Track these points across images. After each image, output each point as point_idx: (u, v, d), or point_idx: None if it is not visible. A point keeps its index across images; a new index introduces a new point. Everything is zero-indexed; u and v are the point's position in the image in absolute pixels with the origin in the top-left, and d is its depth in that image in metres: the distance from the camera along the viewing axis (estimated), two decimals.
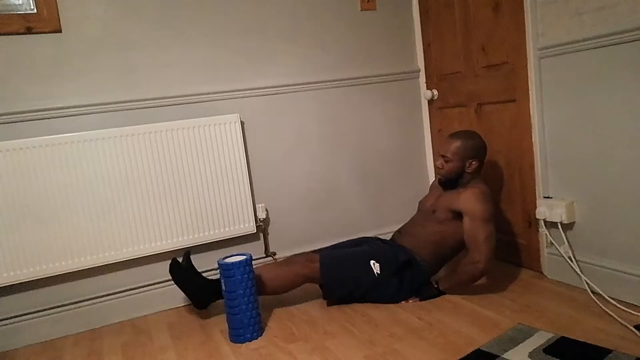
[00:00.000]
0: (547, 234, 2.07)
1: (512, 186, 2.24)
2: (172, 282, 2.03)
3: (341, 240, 2.27)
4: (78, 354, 1.93)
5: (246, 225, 2.31)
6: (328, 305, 2.07)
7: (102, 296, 2.16)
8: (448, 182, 2.11)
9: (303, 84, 2.46)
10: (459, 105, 2.50)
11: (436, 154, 2.13)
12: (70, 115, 2.07)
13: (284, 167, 2.46)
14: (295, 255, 2.11)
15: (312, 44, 2.48)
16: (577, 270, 1.94)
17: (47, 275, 2.01)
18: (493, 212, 1.98)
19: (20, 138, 1.97)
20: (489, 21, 2.22)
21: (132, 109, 2.16)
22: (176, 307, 2.26)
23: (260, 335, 1.87)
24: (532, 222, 2.17)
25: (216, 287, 1.94)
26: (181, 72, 2.24)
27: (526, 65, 2.04)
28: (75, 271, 2.07)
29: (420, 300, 2.01)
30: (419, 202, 2.30)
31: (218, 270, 1.87)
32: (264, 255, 2.43)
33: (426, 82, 2.71)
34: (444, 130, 2.61)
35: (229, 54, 2.32)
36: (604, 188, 1.83)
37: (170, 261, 2.00)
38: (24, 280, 1.98)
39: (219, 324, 2.00)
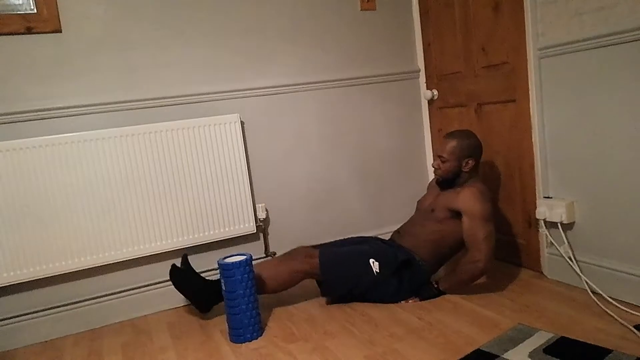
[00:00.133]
0: (547, 234, 2.07)
1: (512, 186, 2.24)
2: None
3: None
4: (78, 354, 1.93)
5: (246, 225, 2.31)
6: (327, 304, 2.08)
7: (102, 296, 2.16)
8: (445, 181, 2.12)
9: (303, 84, 2.46)
10: (459, 105, 2.50)
11: (435, 155, 2.14)
12: (70, 115, 2.07)
13: (284, 167, 2.46)
14: (295, 249, 2.10)
15: (312, 44, 2.48)
16: (577, 270, 1.94)
17: (47, 275, 2.01)
18: (492, 210, 1.98)
19: (20, 138, 1.97)
20: (489, 21, 2.23)
21: (132, 109, 2.16)
22: (176, 307, 2.26)
23: (260, 335, 1.87)
24: (532, 222, 2.17)
25: (216, 288, 1.95)
26: (181, 72, 2.24)
27: (526, 65, 2.04)
28: (75, 271, 2.07)
29: (420, 300, 2.01)
30: (418, 202, 2.30)
31: (218, 271, 1.87)
32: (264, 255, 2.43)
33: (426, 82, 2.71)
34: (444, 130, 2.61)
35: (229, 54, 2.32)
36: (604, 188, 1.83)
37: (170, 267, 2.01)
38: (24, 280, 1.98)
39: (219, 324, 2.00)
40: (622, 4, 1.66)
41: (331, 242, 2.20)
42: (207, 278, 2.08)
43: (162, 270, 2.20)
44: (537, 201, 2.08)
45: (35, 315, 2.06)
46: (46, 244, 1.99)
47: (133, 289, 2.20)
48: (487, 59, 2.27)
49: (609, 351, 1.47)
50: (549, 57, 1.95)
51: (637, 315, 1.67)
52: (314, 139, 2.52)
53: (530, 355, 1.50)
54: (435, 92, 2.64)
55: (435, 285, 2.03)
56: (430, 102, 2.70)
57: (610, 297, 1.80)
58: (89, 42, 2.09)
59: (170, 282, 2.07)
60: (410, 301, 2.01)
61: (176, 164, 2.17)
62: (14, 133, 1.98)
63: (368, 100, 2.62)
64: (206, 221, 2.23)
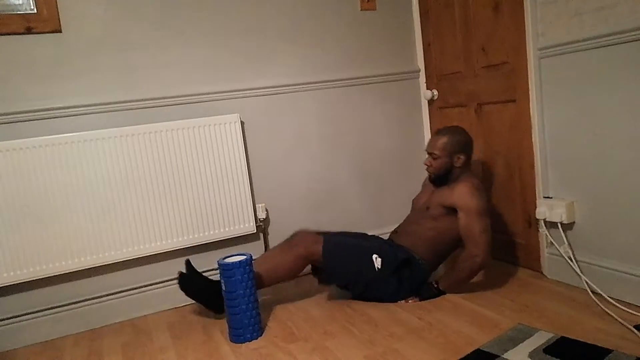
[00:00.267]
0: (547, 234, 2.07)
1: (512, 186, 2.24)
2: (173, 282, 2.03)
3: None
4: (78, 354, 1.93)
5: (246, 225, 2.31)
6: (321, 284, 2.11)
7: (102, 296, 2.16)
8: (438, 178, 2.12)
9: (303, 84, 2.46)
10: (459, 105, 2.50)
11: (427, 152, 2.12)
12: (70, 115, 2.07)
13: (284, 167, 2.46)
14: (296, 234, 2.07)
15: (312, 44, 2.48)
16: (577, 270, 1.94)
17: (47, 275, 2.01)
18: (487, 204, 1.99)
19: (20, 138, 1.97)
20: (489, 21, 2.23)
21: (132, 109, 2.16)
22: (176, 307, 2.26)
23: (260, 335, 1.87)
24: (532, 222, 2.17)
25: (217, 288, 1.94)
26: (181, 72, 2.24)
27: (526, 65, 2.04)
28: (75, 271, 2.07)
29: (420, 300, 2.01)
30: (413, 201, 2.31)
31: (218, 270, 1.87)
32: None
33: (426, 82, 2.71)
34: None
35: (229, 54, 2.32)
36: (604, 188, 1.83)
37: (177, 276, 2.00)
38: (24, 280, 1.98)
39: (219, 324, 2.00)
40: (622, 4, 1.66)
41: (334, 232, 2.17)
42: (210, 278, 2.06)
43: (162, 270, 2.21)
44: (537, 201, 2.08)
45: (35, 315, 2.06)
46: (46, 244, 1.99)
47: (133, 289, 2.20)
48: (487, 59, 2.27)
49: (609, 351, 1.47)
50: (549, 57, 1.95)
51: (637, 315, 1.67)
52: (314, 139, 2.52)
53: (530, 355, 1.50)
54: (435, 92, 2.64)
55: (435, 285, 2.03)
56: (430, 102, 2.70)
57: (610, 297, 1.80)
58: (89, 42, 2.09)
59: (170, 282, 2.07)
60: (410, 301, 2.01)
61: (176, 164, 2.17)
62: (14, 133, 1.98)
63: (368, 100, 2.62)
64: (206, 221, 2.23)
